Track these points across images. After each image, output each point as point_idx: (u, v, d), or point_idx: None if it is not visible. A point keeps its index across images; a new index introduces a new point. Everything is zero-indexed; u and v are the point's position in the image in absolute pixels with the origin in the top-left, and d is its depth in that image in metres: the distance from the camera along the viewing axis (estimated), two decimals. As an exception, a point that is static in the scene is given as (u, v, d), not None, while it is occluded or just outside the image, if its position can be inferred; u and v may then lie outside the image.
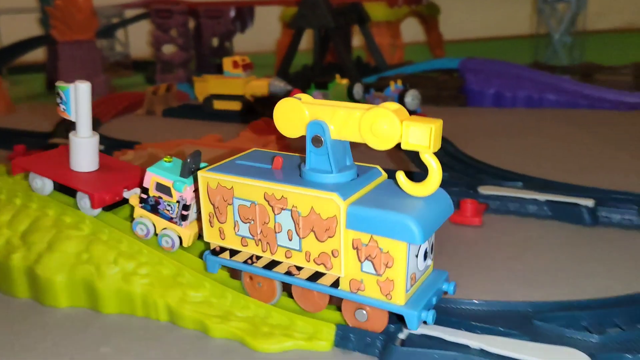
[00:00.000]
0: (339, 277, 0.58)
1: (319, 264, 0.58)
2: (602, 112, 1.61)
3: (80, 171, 0.76)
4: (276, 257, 0.60)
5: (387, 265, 0.55)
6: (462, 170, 1.12)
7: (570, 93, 1.68)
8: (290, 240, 0.59)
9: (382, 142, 0.55)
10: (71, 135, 0.76)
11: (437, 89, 1.83)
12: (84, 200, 0.72)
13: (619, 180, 1.06)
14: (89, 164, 0.76)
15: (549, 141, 1.36)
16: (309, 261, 0.59)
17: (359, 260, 0.56)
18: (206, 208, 0.63)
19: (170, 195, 0.68)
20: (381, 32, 2.35)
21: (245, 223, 0.61)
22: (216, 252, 0.64)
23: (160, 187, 0.68)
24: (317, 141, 0.58)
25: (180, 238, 0.69)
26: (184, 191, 0.67)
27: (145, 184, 0.69)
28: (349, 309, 0.60)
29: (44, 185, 0.77)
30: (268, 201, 0.59)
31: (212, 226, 0.63)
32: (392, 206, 0.55)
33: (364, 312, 0.59)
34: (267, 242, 0.60)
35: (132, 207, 0.71)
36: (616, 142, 1.32)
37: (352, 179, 0.59)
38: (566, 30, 2.16)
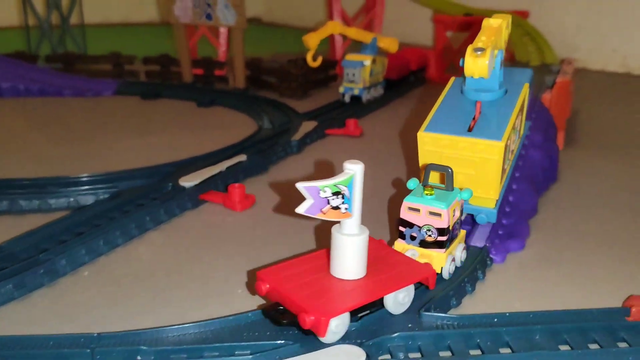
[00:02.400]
0: None
1: None
2: (64, 99, 1.64)
3: (356, 278, 0.58)
4: None
5: None
6: None
7: (39, 82, 1.67)
8: None
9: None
10: (338, 233, 0.57)
11: None
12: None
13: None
14: (365, 266, 0.59)
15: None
16: None
17: None
18: None
19: None
20: None
21: None
22: None
23: None
24: None
25: None
26: None
27: None
28: None
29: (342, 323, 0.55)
30: None
31: None
32: None
33: None
34: None
35: None
36: (42, 126, 1.36)
37: None
38: (65, 21, 2.16)
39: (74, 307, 0.64)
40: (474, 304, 0.66)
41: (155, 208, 0.84)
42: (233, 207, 0.90)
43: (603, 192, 0.99)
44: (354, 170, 0.55)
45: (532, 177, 0.90)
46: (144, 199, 0.89)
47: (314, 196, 0.55)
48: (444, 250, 0.64)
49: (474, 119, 0.73)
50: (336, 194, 0.55)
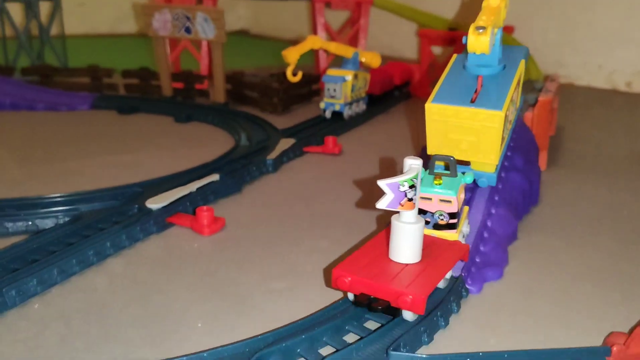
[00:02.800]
0: None
1: None
2: (37, 114, 1.59)
3: (417, 261, 0.64)
4: None
5: None
6: None
7: (12, 95, 1.63)
8: None
9: None
10: (403, 223, 0.63)
11: None
12: None
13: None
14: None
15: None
16: None
17: None
18: None
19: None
20: None
21: None
22: None
23: None
24: None
25: None
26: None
27: None
28: None
29: None
30: None
31: None
32: None
33: None
34: None
35: None
36: (9, 142, 1.32)
37: None
38: (44, 32, 2.12)
39: (19, 345, 0.60)
40: (447, 340, 0.62)
41: (116, 233, 0.80)
42: (201, 231, 0.86)
43: (586, 216, 0.96)
44: (418, 165, 0.62)
45: (511, 201, 0.87)
46: (106, 223, 0.84)
47: (394, 191, 0.61)
48: (455, 230, 0.70)
49: (476, 91, 0.79)
50: (411, 187, 0.61)
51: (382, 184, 0.60)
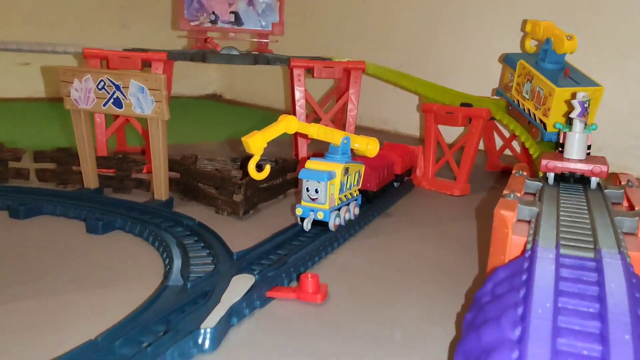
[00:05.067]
0: None
1: None
2: None
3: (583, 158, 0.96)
4: None
5: None
6: None
7: None
8: None
9: None
10: (573, 132, 0.95)
11: None
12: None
13: None
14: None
15: None
16: None
17: None
18: None
19: None
20: None
21: None
22: None
23: None
24: None
25: None
26: None
27: None
28: None
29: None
30: None
31: None
32: None
33: None
34: None
35: None
36: None
37: None
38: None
39: None
40: None
41: None
42: None
43: None
44: (587, 94, 0.95)
45: None
46: None
47: (581, 106, 0.94)
48: None
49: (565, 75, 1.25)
50: (588, 105, 0.95)
51: (575, 102, 0.94)
